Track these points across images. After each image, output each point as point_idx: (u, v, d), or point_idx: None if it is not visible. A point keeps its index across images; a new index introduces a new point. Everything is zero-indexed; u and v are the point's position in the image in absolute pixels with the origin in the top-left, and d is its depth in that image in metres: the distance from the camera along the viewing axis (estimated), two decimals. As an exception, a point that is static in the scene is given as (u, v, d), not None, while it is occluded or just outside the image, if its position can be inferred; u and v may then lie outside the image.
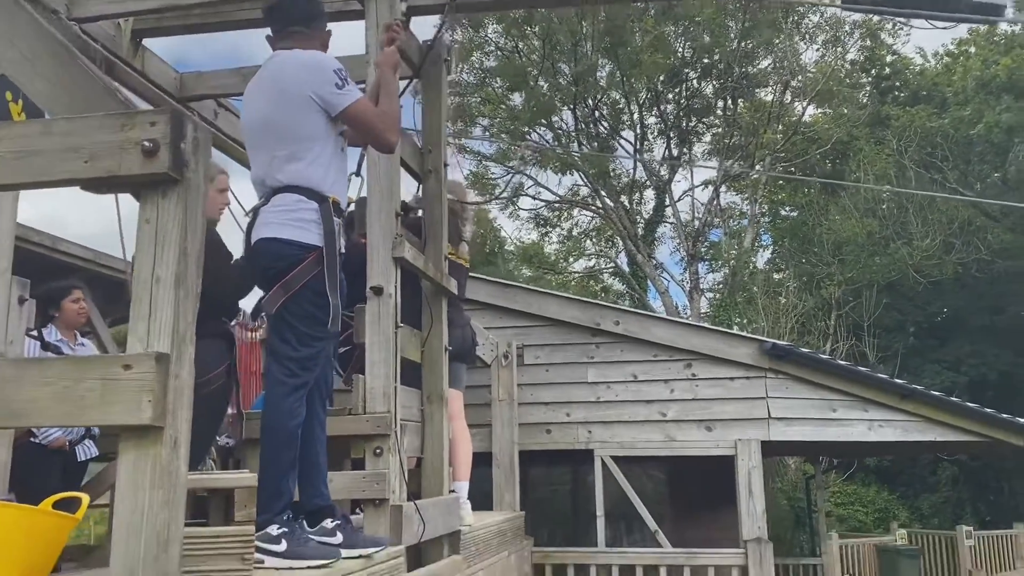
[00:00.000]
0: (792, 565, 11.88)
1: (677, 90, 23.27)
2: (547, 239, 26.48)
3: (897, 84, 24.13)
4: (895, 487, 21.41)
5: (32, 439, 4.30)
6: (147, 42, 4.47)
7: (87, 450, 4.68)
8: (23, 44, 2.18)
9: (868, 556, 15.07)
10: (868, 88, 24.42)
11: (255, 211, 3.02)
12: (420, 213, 4.27)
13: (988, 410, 7.10)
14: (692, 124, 23.95)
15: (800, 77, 22.31)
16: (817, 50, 22.71)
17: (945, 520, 19.86)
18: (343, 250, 3.05)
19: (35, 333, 4.38)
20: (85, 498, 2.68)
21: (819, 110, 23.52)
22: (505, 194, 23.30)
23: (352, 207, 3.44)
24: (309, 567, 2.63)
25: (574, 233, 26.04)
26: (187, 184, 2.03)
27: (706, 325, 7.71)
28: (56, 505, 2.55)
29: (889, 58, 24.05)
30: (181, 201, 2.02)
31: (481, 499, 6.01)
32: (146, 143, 1.97)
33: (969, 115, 19.30)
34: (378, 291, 3.61)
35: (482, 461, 6.31)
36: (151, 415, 1.86)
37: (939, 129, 19.69)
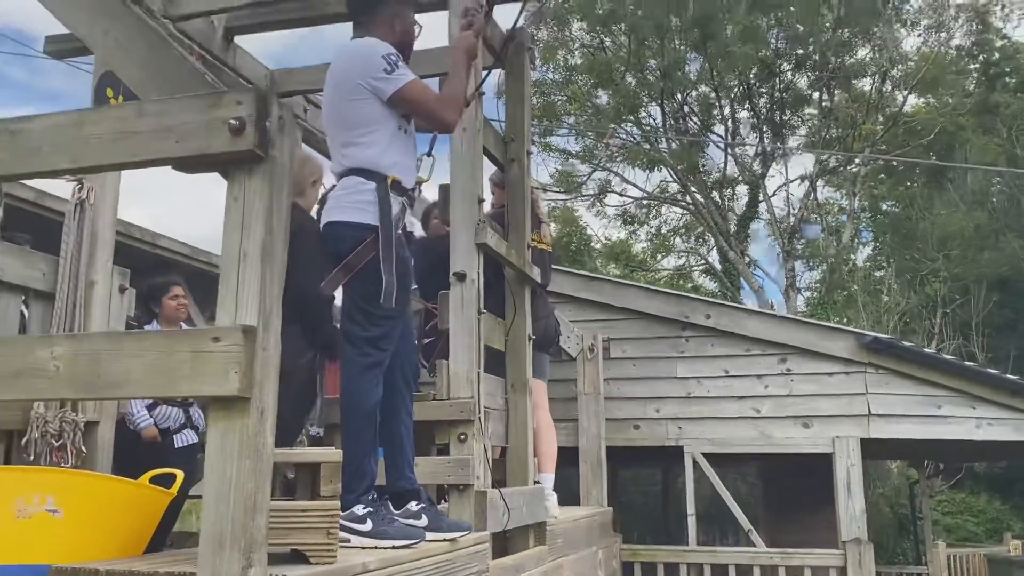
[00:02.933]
0: (896, 574, 11.37)
1: (770, 83, 22.65)
2: (634, 236, 26.21)
3: (1007, 70, 22.85)
4: (1008, 496, 20.24)
5: (129, 427, 4.47)
6: (243, 40, 4.62)
7: (185, 438, 4.84)
8: (119, 32, 2.27)
9: (978, 567, 14.32)
10: (975, 75, 23.22)
11: (323, 197, 3.09)
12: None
13: (1112, 408, 6.61)
14: (786, 117, 23.27)
15: (901, 65, 21.39)
16: (919, 35, 21.75)
17: (1064, 532, 18.68)
18: (408, 228, 3.08)
19: (135, 324, 4.57)
20: (179, 474, 2.78)
21: (922, 100, 22.51)
22: (591, 191, 23.16)
23: (421, 187, 3.45)
24: (394, 546, 2.64)
25: (663, 231, 25.68)
26: (272, 162, 2.06)
27: (800, 318, 7.43)
28: (153, 481, 2.65)
29: (999, 43, 22.80)
30: (267, 179, 2.05)
31: (568, 498, 5.96)
32: (232, 121, 2.01)
33: (1088, 99, 18.10)
34: (461, 277, 3.61)
35: (568, 459, 6.24)
36: (238, 386, 1.89)
37: (1055, 114, 18.54)
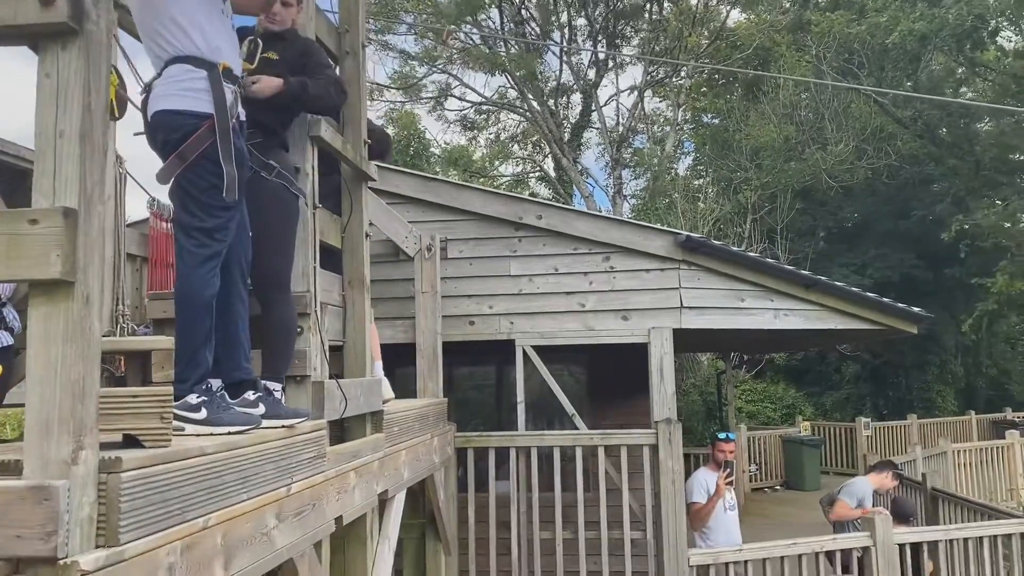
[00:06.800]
0: (702, 454, 12.54)
1: (605, -10, 22.94)
2: (474, 143, 26.28)
3: (820, -11, 24.28)
4: (802, 385, 22.63)
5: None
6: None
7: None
8: None
9: (774, 446, 16.09)
10: (792, -7, 24.53)
11: (148, 86, 2.93)
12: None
13: (884, 299, 7.53)
14: (620, 27, 23.73)
15: (725, -20, 22.25)
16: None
17: (847, 415, 21.20)
18: (242, 117, 3.00)
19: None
20: (-3, 368, 2.67)
21: (743, 15, 23.58)
22: (431, 93, 22.82)
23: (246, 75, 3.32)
24: (229, 432, 2.68)
25: (501, 137, 25.88)
26: (88, 36, 1.97)
27: (623, 219, 7.85)
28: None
29: (813, -37, 24.11)
30: (83, 53, 1.96)
31: (406, 395, 6.14)
32: (41, -10, 1.89)
33: (886, 22, 19.63)
34: (295, 171, 3.57)
35: (406, 354, 6.41)
36: (60, 269, 1.85)
37: (857, 35, 20.01)
